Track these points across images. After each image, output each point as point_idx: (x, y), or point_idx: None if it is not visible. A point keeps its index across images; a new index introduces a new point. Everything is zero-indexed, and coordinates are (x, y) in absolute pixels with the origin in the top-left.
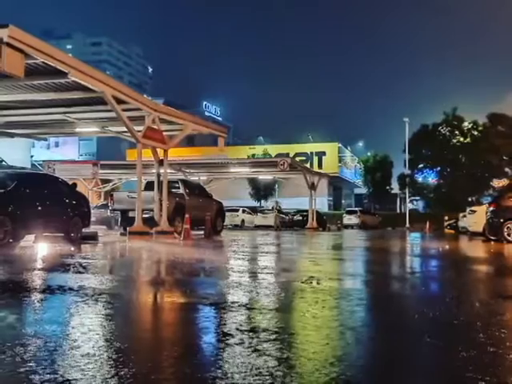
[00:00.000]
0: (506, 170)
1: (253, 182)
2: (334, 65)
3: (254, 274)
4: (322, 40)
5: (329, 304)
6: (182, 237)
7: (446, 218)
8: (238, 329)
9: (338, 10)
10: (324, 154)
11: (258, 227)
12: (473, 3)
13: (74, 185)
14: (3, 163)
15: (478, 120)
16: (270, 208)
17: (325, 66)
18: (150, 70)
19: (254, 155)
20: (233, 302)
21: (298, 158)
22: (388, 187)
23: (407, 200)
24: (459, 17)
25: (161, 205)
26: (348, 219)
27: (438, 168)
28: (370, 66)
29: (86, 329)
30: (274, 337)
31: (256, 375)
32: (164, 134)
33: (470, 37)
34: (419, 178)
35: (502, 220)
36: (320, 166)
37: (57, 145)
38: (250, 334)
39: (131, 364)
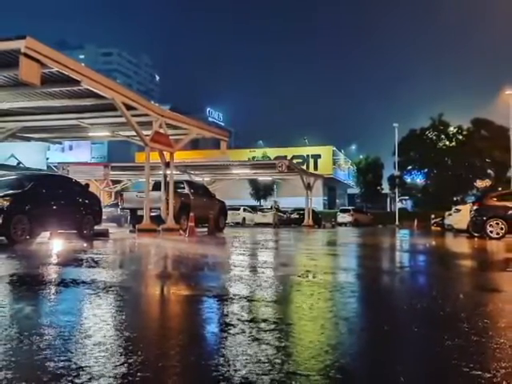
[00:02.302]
0: (489, 171)
1: (253, 183)
2: (329, 72)
3: (254, 269)
4: (320, 48)
5: (324, 296)
6: (187, 234)
7: (433, 216)
8: (239, 319)
9: (335, 17)
10: (319, 156)
11: (257, 225)
12: (462, 14)
13: (87, 185)
14: (21, 165)
15: (463, 125)
16: (269, 207)
17: (321, 73)
18: (158, 78)
19: (254, 158)
20: (234, 295)
21: (295, 161)
22: (379, 187)
23: (397, 199)
24: (449, 27)
25: (167, 204)
26: (342, 217)
27: (426, 169)
28: (364, 74)
29: (98, 319)
30: (272, 327)
31: (256, 362)
32: (170, 137)
33: (457, 48)
34: (408, 179)
35: (484, 218)
36: (316, 167)
37: (70, 148)
38: (251, 324)
39: (140, 352)
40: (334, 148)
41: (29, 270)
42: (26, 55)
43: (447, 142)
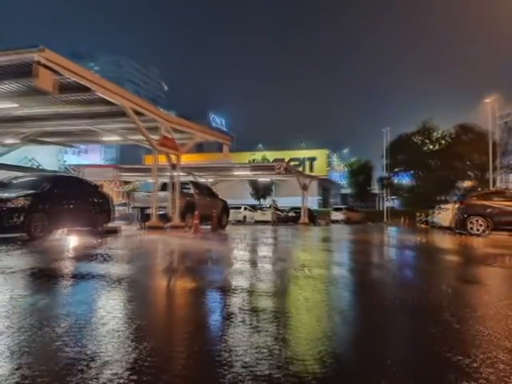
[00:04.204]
0: (470, 173)
1: (253, 184)
2: (325, 80)
3: (254, 263)
4: (315, 58)
5: (319, 289)
6: (192, 231)
7: (419, 214)
8: (240, 310)
9: (331, 28)
10: (315, 159)
11: (257, 222)
12: (448, 30)
13: (100, 186)
14: (39, 167)
15: (447, 130)
16: (268, 206)
17: (317, 81)
18: (165, 86)
19: (254, 160)
20: (236, 287)
21: (292, 163)
22: (369, 188)
23: (385, 199)
24: (440, 41)
25: (174, 203)
26: (335, 215)
27: (412, 171)
28: (358, 82)
29: (110, 309)
30: (271, 317)
31: (256, 349)
32: (176, 141)
33: (444, 58)
34: (396, 180)
35: (466, 216)
36: (311, 169)
37: (84, 151)
38: (251, 314)
39: (149, 339)
40: (329, 151)
41: (46, 264)
42: (42, 65)
43: (432, 146)
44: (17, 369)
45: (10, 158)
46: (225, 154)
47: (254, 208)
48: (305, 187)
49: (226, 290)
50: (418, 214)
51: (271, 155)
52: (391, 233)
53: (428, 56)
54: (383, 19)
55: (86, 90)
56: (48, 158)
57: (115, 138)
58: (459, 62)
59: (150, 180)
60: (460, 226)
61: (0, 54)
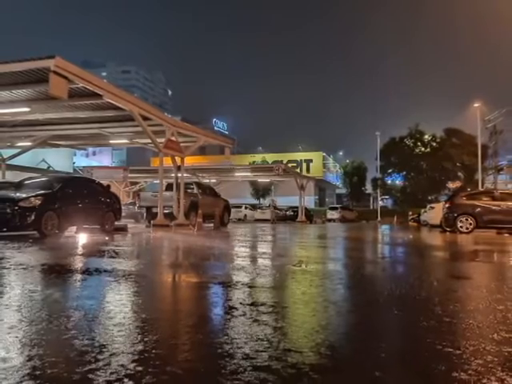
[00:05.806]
0: (459, 174)
1: (253, 184)
2: (322, 86)
3: (254, 259)
4: (312, 68)
5: (315, 283)
6: (196, 228)
7: (410, 213)
8: (241, 303)
9: (327, 36)
10: (311, 161)
11: (257, 221)
12: (438, 37)
13: (108, 186)
14: (50, 169)
15: (436, 133)
16: (268, 205)
17: (314, 88)
18: (170, 92)
19: (254, 162)
20: (237, 282)
21: (290, 165)
22: (363, 188)
23: (378, 198)
24: (432, 48)
25: (179, 202)
26: (331, 214)
27: (404, 172)
28: (353, 88)
29: (118, 303)
30: (270, 310)
31: (256, 341)
32: (181, 144)
33: (432, 65)
34: (388, 181)
35: (455, 215)
36: (308, 170)
37: (94, 153)
38: (251, 307)
39: (154, 331)
40: (324, 154)
41: (57, 260)
42: (55, 72)
43: (423, 149)
44: (28, 360)
45: (23, 160)
46: (226, 156)
47: (254, 207)
48: (302, 187)
49: (227, 285)
50: (410, 213)
51: (270, 157)
52: (384, 231)
53: (424, 57)
54: (378, 19)
55: (97, 96)
56: (61, 160)
57: (123, 140)
58: (453, 63)
59: (156, 181)
60: (449, 225)
61: (16, 62)
